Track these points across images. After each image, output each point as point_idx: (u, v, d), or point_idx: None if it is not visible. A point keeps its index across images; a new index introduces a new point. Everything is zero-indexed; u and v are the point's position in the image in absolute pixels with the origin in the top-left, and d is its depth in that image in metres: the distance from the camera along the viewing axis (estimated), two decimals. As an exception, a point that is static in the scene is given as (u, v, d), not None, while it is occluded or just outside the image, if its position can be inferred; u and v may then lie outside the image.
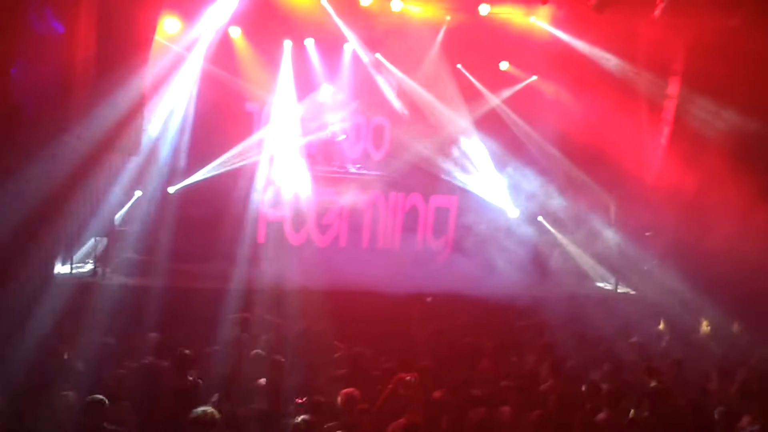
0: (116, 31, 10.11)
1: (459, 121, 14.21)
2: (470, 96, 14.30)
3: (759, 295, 11.01)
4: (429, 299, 11.01)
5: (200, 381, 7.13)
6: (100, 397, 6.25)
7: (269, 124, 13.44)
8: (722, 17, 11.45)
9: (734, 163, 11.88)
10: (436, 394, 6.89)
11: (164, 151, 12.49)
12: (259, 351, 7.95)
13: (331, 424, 6.29)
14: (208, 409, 5.90)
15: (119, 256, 11.68)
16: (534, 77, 14.57)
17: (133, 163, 11.63)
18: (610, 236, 13.80)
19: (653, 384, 7.61)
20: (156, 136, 12.26)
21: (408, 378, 6.91)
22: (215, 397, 6.76)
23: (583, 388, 7.40)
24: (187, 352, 7.44)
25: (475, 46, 13.91)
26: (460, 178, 14.32)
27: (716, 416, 6.82)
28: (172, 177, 12.62)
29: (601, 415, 6.85)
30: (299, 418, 6.01)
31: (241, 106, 13.46)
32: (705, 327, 10.63)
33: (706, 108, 12.26)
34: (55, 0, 9.46)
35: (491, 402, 6.96)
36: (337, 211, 13.72)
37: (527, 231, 14.19)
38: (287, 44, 13.44)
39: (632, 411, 7.03)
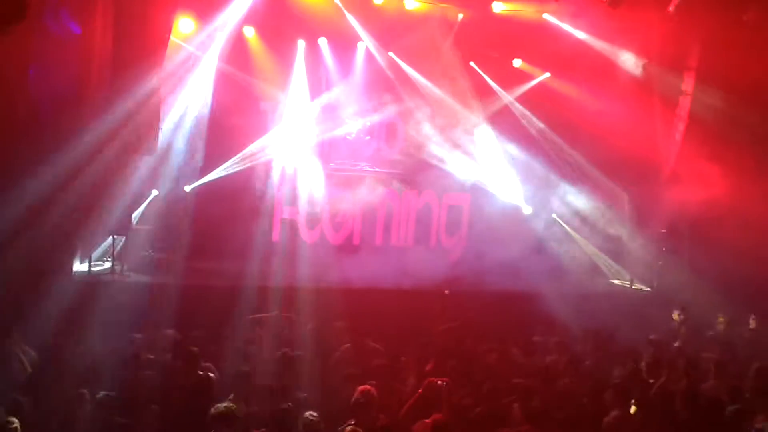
0: (132, 32, 10.22)
1: (472, 118, 14.20)
2: (483, 93, 14.29)
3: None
4: (447, 292, 11.03)
5: (214, 377, 7.21)
6: (113, 393, 6.35)
7: (283, 122, 13.50)
8: (736, 12, 11.39)
9: (750, 157, 11.80)
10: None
11: (180, 151, 12.58)
12: (274, 349, 8.00)
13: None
14: (230, 405, 5.95)
15: (137, 254, 11.81)
16: (547, 74, 14.52)
17: (150, 162, 11.74)
18: (625, 233, 13.75)
19: (668, 380, 7.59)
20: (172, 136, 12.35)
21: (439, 382, 6.89)
22: (231, 396, 6.83)
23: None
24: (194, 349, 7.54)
25: (488, 44, 13.92)
26: (474, 175, 14.31)
27: (730, 414, 6.78)
28: (188, 176, 12.72)
29: (614, 413, 6.82)
30: (306, 414, 6.05)
31: (256, 105, 13.52)
32: (721, 323, 10.55)
33: (721, 103, 12.17)
34: (71, 1, 9.60)
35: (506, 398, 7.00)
36: (351, 209, 13.76)
37: (541, 228, 14.18)
38: (301, 43, 13.49)
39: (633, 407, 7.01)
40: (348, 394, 6.63)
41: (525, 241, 13.47)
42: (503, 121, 14.33)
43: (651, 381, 7.85)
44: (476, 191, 14.42)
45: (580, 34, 13.17)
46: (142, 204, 12.14)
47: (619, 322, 10.28)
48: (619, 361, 8.53)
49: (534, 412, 6.67)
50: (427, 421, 6.23)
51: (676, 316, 10.79)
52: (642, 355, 8.89)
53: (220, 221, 12.40)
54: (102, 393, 6.44)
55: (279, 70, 13.39)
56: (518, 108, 14.54)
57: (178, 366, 7.58)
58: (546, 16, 13.31)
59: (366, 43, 13.68)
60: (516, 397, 7.03)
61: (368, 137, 14.18)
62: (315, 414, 6.09)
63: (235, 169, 12.88)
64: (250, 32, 13.08)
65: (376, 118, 14.27)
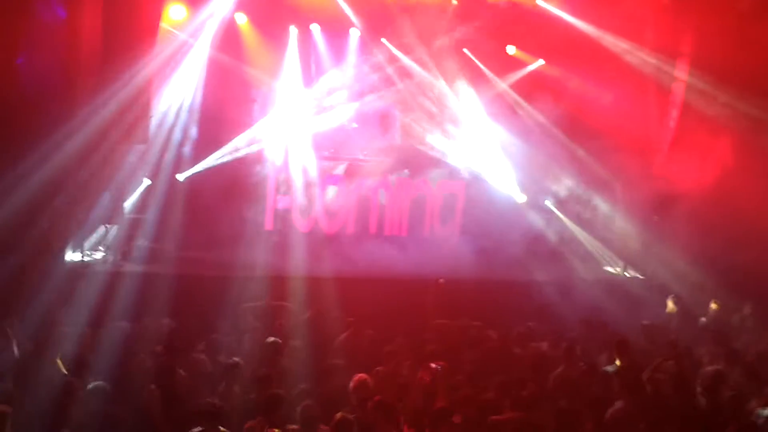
0: (121, 19, 10.12)
1: (466, 106, 14.15)
2: (477, 80, 14.23)
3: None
4: (441, 281, 11.01)
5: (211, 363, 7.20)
6: (103, 383, 6.33)
7: (276, 110, 13.42)
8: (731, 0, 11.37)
9: (743, 145, 11.81)
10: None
11: (172, 139, 12.50)
12: (269, 338, 7.97)
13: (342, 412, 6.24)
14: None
15: (129, 243, 11.74)
16: (541, 61, 14.48)
17: (141, 151, 11.65)
18: (618, 220, 13.77)
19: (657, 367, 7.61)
20: (163, 124, 12.27)
21: (434, 366, 6.88)
22: (222, 385, 6.82)
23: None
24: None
25: (481, 31, 13.82)
26: (468, 163, 14.28)
27: (726, 400, 6.82)
28: (180, 164, 12.64)
29: (618, 404, 6.80)
30: (305, 403, 6.04)
31: (248, 93, 13.44)
32: (714, 309, 10.58)
33: (715, 91, 12.16)
34: (61, -13, 9.49)
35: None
36: (345, 198, 13.72)
37: (535, 216, 14.19)
38: (293, 30, 13.40)
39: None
40: (344, 383, 6.64)
41: (519, 229, 13.46)
42: (497, 109, 14.28)
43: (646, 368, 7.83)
44: (470, 179, 14.39)
45: (574, 21, 13.13)
46: (134, 193, 12.06)
47: (613, 309, 10.31)
48: (611, 348, 8.52)
49: (529, 400, 6.68)
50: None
51: (671, 304, 10.77)
52: (635, 342, 8.92)
53: (213, 210, 12.34)
54: (93, 382, 6.41)
55: (271, 57, 13.31)
56: (512, 95, 14.50)
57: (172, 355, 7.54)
58: (539, 2, 13.27)
59: (359, 29, 13.60)
60: (512, 384, 7.04)
61: (361, 125, 14.10)
62: (311, 402, 6.08)
63: (228, 158, 12.81)
64: (242, 19, 12.99)
65: (369, 105, 14.20)
